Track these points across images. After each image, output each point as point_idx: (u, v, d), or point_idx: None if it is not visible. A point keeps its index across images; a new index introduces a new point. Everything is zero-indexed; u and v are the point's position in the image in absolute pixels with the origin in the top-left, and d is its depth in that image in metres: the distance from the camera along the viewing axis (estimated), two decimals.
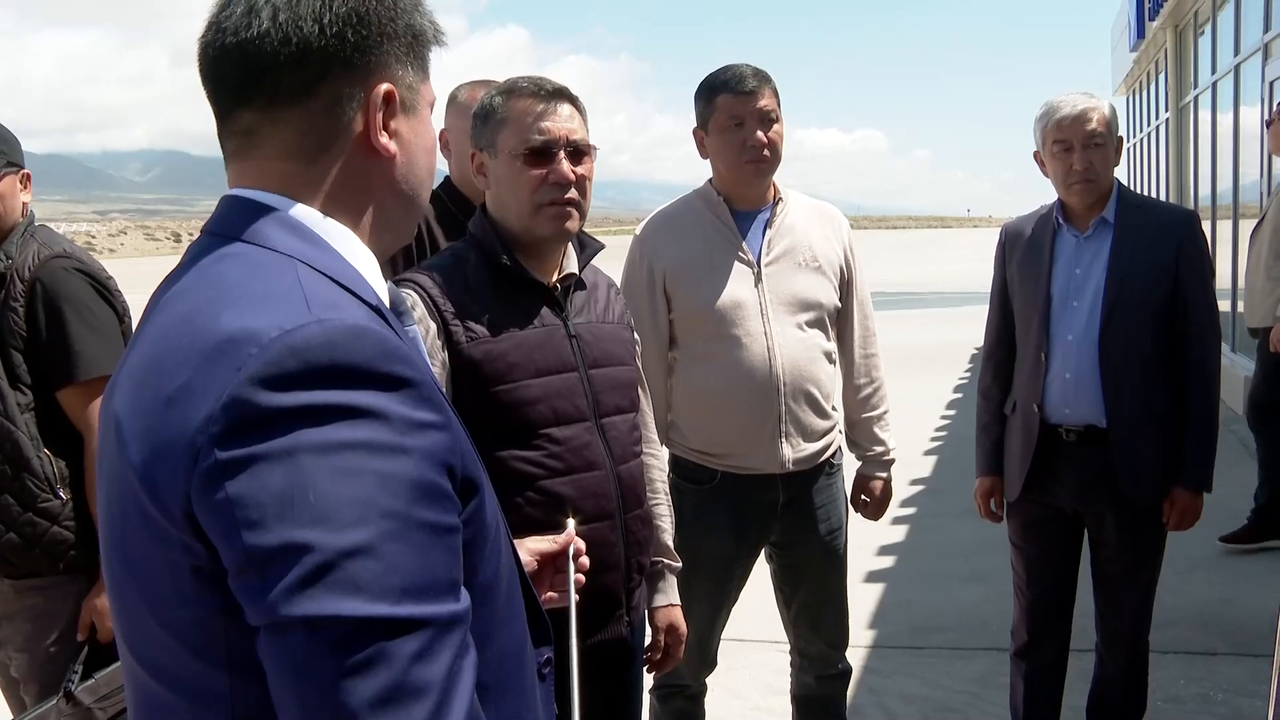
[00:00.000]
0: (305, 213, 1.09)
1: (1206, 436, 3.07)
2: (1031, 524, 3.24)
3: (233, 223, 1.08)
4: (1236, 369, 8.97)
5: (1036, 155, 3.17)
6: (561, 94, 2.13)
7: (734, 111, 2.83)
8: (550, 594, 1.71)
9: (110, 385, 1.07)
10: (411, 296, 2.04)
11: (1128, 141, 20.01)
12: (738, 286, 2.87)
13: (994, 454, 3.32)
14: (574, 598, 1.69)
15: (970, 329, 16.45)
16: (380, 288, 1.16)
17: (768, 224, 2.93)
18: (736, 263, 2.88)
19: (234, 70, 1.09)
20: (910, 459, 7.67)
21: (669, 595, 2.41)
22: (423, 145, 1.18)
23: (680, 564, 2.47)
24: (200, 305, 1.00)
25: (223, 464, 0.90)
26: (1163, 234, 3.05)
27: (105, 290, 2.64)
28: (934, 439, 8.70)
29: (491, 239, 2.14)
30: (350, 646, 0.87)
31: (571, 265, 2.22)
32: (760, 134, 2.81)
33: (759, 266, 2.88)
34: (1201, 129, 12.49)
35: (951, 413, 9.92)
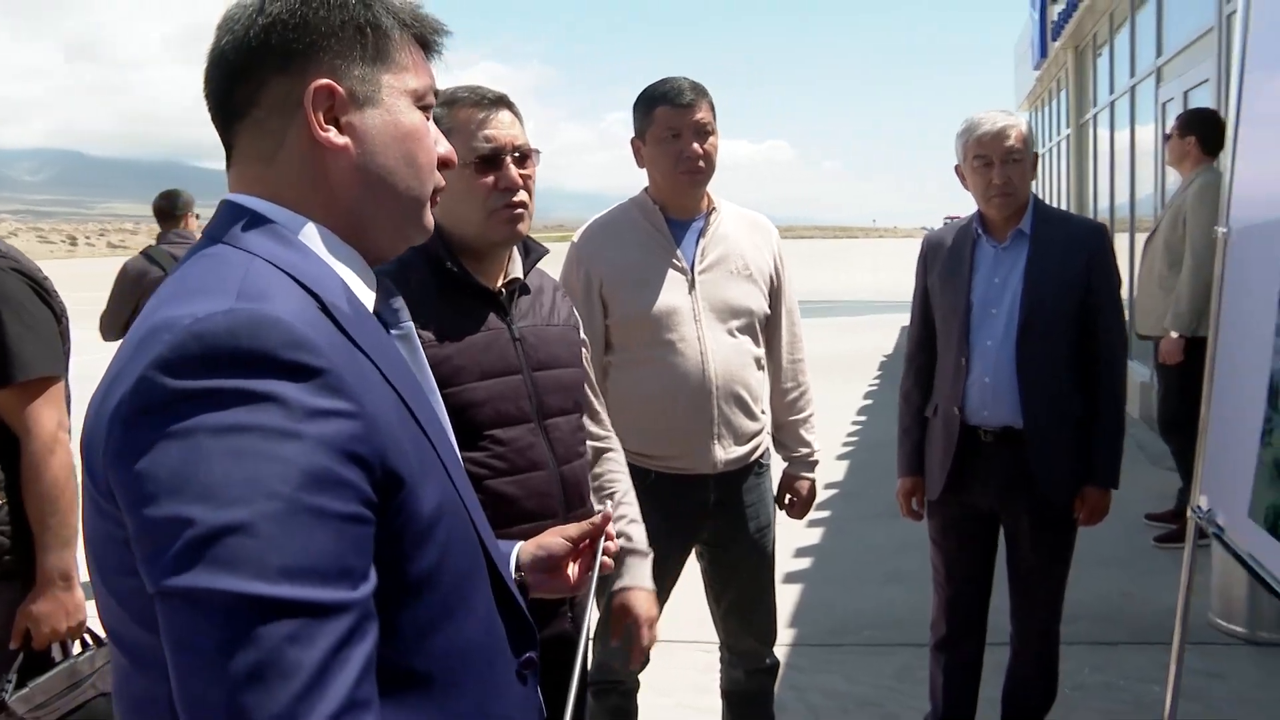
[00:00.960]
0: (277, 212, 1.16)
1: (1115, 437, 3.25)
2: (951, 522, 3.38)
3: (216, 225, 1.17)
4: (1133, 375, 9.32)
5: (958, 169, 3.31)
6: (502, 101, 2.17)
7: (671, 123, 2.91)
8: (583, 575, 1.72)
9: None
10: None
11: None
12: (672, 293, 2.95)
13: (915, 455, 3.45)
14: (594, 582, 1.70)
15: (878, 337, 16.90)
16: (358, 285, 1.21)
17: (701, 233, 3.02)
18: (671, 270, 2.97)
19: (209, 96, 1.20)
20: (824, 464, 7.81)
21: (625, 578, 2.41)
22: (389, 133, 1.20)
23: (649, 552, 2.49)
24: (163, 300, 1.08)
25: (128, 442, 0.96)
26: (1075, 245, 3.21)
27: (42, 290, 2.58)
28: (846, 444, 8.90)
29: (437, 246, 2.17)
30: (224, 622, 0.90)
31: (516, 270, 2.27)
32: (696, 145, 2.90)
33: (693, 274, 2.97)
34: (1100, 145, 12.91)
35: (863, 419, 10.15)
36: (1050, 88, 17.70)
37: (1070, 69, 14.70)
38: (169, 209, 5.98)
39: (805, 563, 5.86)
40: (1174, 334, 5.45)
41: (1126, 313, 8.35)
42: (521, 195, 2.17)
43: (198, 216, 6.10)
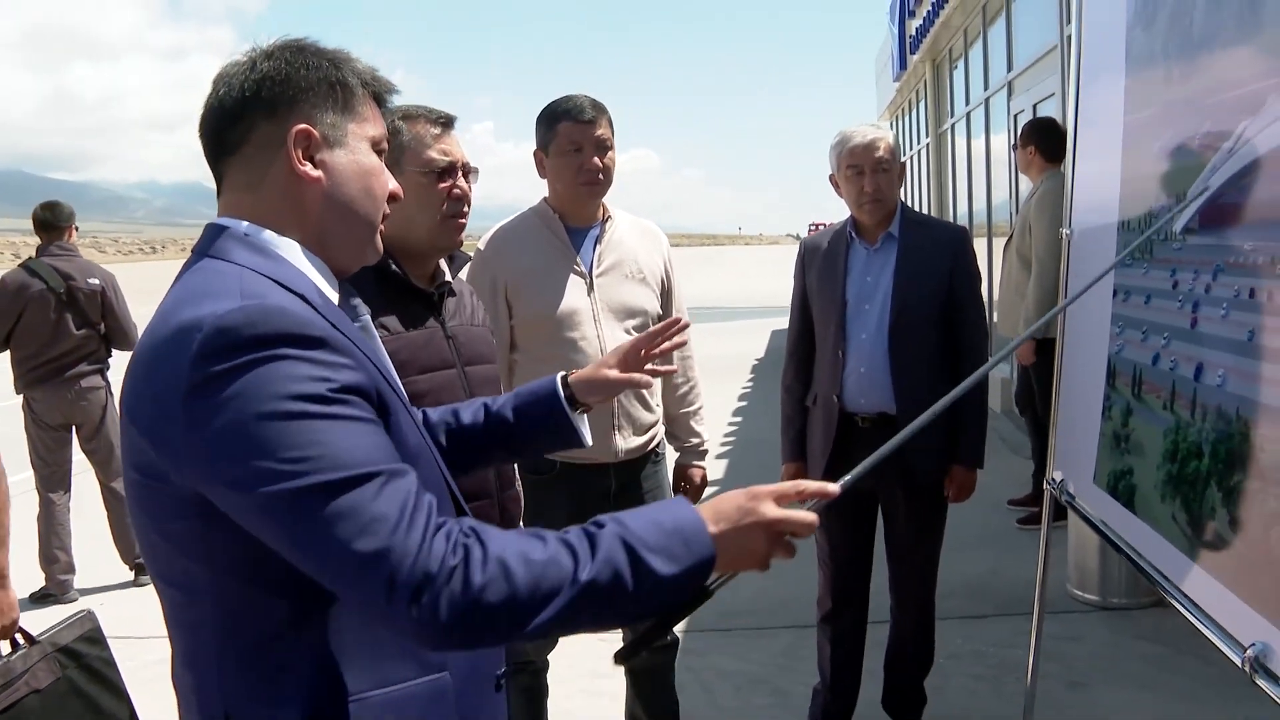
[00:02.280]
0: (256, 231, 1.43)
1: (978, 421, 3.56)
2: (832, 503, 3.62)
3: (204, 243, 1.44)
4: (995, 371, 9.83)
5: (832, 178, 3.59)
6: (452, 122, 2.43)
7: (573, 138, 3.12)
8: None
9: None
10: None
11: None
12: (572, 295, 3.16)
13: (798, 442, 3.72)
14: None
15: (749, 342, 17.32)
16: (325, 287, 1.46)
17: (598, 239, 3.24)
18: (571, 274, 3.18)
19: (204, 136, 1.47)
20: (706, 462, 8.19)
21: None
22: (352, 171, 1.47)
23: None
24: (169, 308, 1.33)
25: (192, 417, 1.24)
26: (940, 247, 3.52)
27: None
28: (724, 444, 9.21)
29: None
30: (323, 503, 1.20)
31: (445, 274, 2.48)
32: (596, 159, 3.12)
33: (591, 277, 3.19)
34: (958, 154, 13.47)
35: (739, 419, 10.49)
36: (910, 98, 18.33)
37: (928, 81, 15.28)
38: (51, 221, 5.96)
39: None
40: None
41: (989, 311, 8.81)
42: (466, 207, 2.41)
43: (77, 229, 6.10)
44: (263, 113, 1.42)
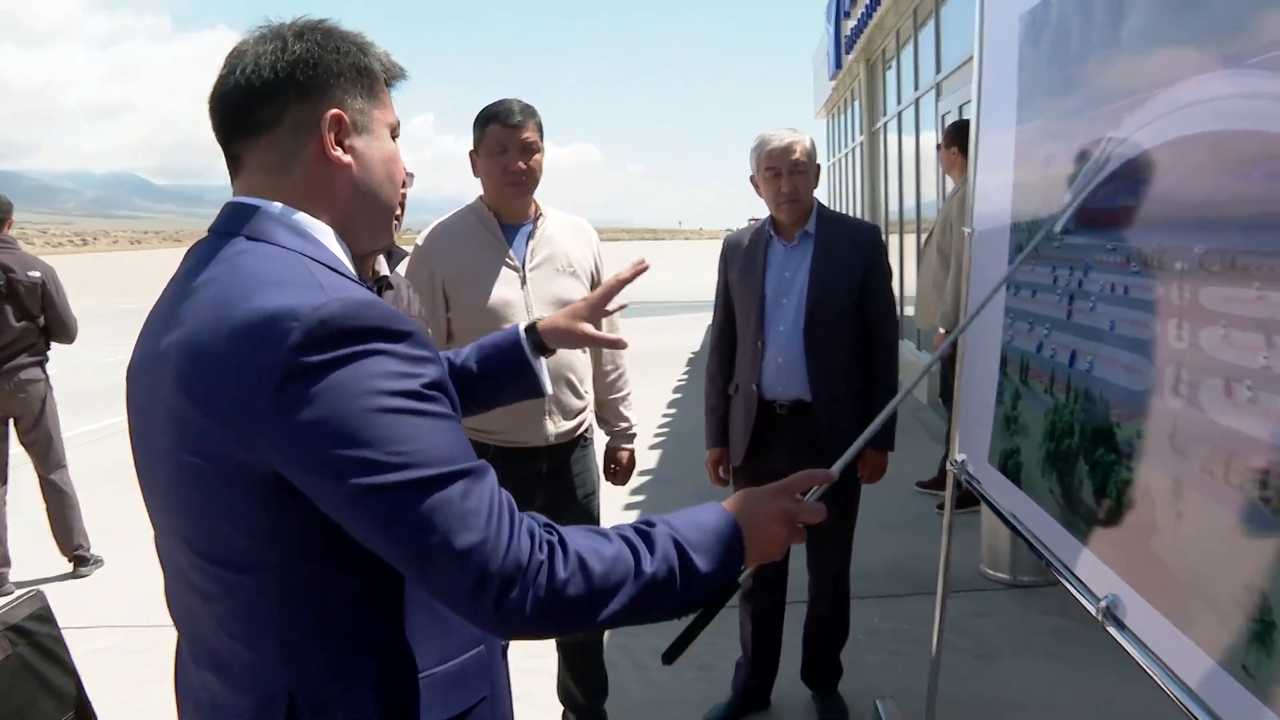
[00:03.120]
0: (290, 213, 1.42)
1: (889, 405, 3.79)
2: (753, 485, 3.86)
3: (236, 223, 1.42)
4: (920, 363, 10.14)
5: (752, 179, 3.80)
6: (395, 127, 2.57)
7: (500, 140, 3.30)
8: None
9: (150, 350, 1.40)
10: None
11: (829, 160, 21.53)
12: (506, 288, 3.34)
13: (721, 429, 3.93)
14: None
15: (687, 336, 17.57)
16: (354, 273, 1.47)
17: (530, 235, 3.42)
18: (505, 268, 3.36)
19: (223, 113, 1.45)
20: (638, 453, 8.39)
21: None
22: (378, 156, 1.49)
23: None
24: (234, 289, 1.32)
25: (288, 407, 1.24)
26: (853, 244, 3.74)
27: None
28: (658, 435, 9.44)
29: None
30: (418, 498, 1.25)
31: (384, 269, 2.64)
32: (520, 162, 3.30)
33: (524, 271, 3.37)
34: (890, 152, 13.80)
35: (673, 411, 10.72)
36: (845, 97, 18.67)
37: (863, 80, 15.61)
38: None
39: None
40: (942, 330, 6.12)
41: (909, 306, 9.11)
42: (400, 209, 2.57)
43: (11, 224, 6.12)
44: (295, 95, 1.41)
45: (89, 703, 2.55)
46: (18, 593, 2.78)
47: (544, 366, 2.02)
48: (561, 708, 3.86)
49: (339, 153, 1.44)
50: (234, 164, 1.47)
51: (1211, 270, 1.81)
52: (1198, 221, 1.87)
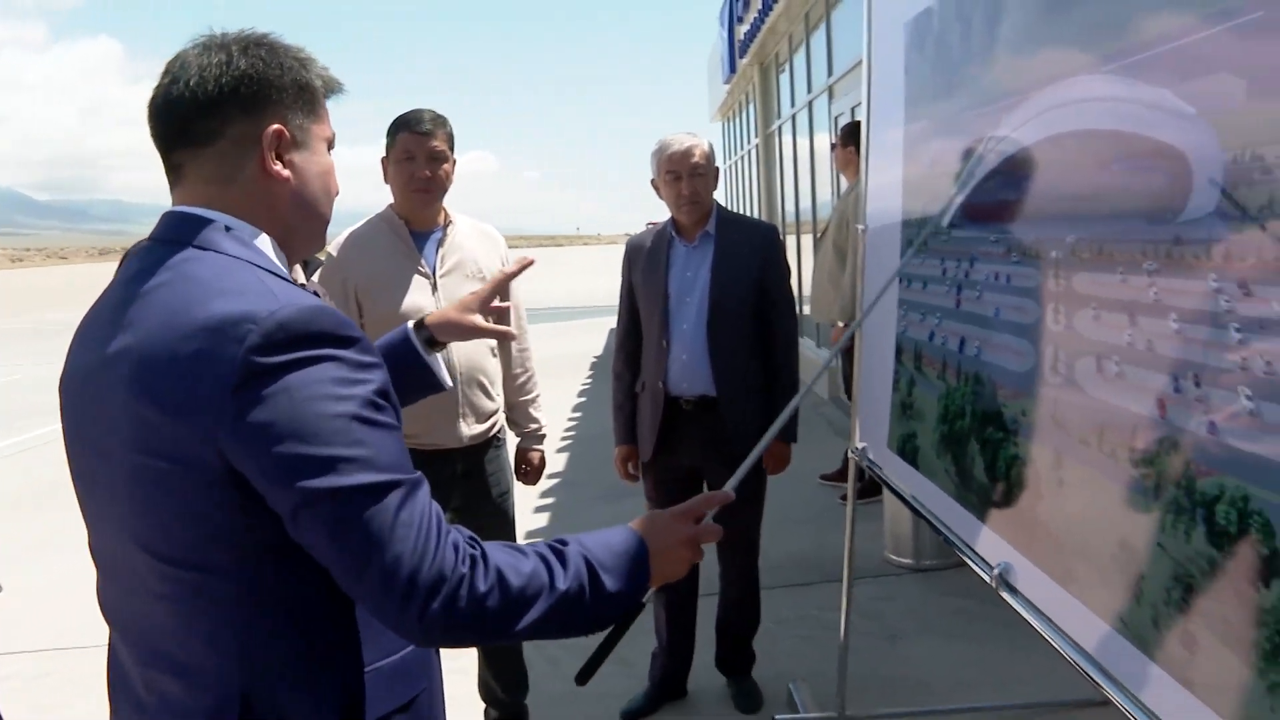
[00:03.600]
0: (238, 224, 1.47)
1: (790, 399, 3.93)
2: (661, 480, 3.98)
3: (180, 231, 1.45)
4: (819, 359, 10.38)
5: (654, 182, 3.91)
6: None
7: (408, 148, 3.36)
8: None
9: (94, 358, 1.43)
10: None
11: (726, 163, 21.74)
12: (417, 295, 3.40)
13: (629, 426, 4.03)
14: None
15: (589, 340, 17.68)
16: None
17: (440, 242, 3.48)
18: (416, 275, 3.42)
19: (166, 123, 1.48)
20: (547, 456, 8.50)
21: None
22: (315, 170, 1.54)
23: None
24: (188, 295, 1.36)
25: (244, 406, 1.29)
26: (752, 244, 3.87)
27: None
28: (564, 439, 9.53)
29: None
30: (361, 502, 1.30)
31: (300, 277, 2.69)
32: (427, 171, 3.36)
33: (434, 278, 3.43)
34: (785, 154, 14.04)
35: (578, 415, 10.83)
36: (740, 100, 18.92)
37: (757, 84, 15.84)
38: None
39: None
40: (839, 324, 6.31)
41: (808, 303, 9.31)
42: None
43: None
44: (239, 109, 1.45)
45: None
46: None
47: (440, 361, 2.06)
48: (484, 705, 3.92)
49: (279, 167, 1.49)
50: (174, 173, 1.51)
51: (1082, 258, 1.96)
52: (1069, 213, 2.03)
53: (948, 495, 2.68)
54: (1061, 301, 2.04)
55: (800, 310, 7.45)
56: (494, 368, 3.59)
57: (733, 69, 16.25)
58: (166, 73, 1.48)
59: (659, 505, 4.01)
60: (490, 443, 3.59)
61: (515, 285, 3.73)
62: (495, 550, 1.42)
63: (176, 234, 1.46)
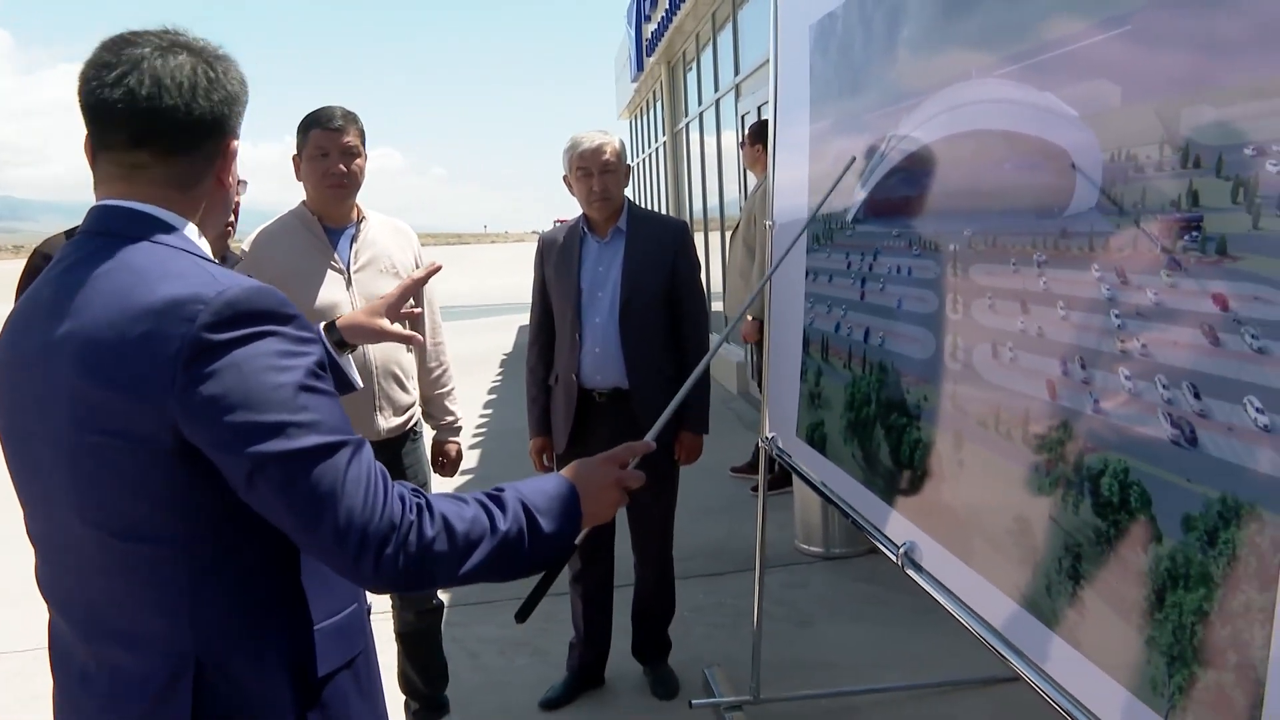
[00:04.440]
0: (178, 221, 1.55)
1: (702, 392, 4.02)
2: None
3: (116, 224, 1.51)
4: (730, 356, 10.52)
5: (566, 179, 3.98)
6: None
7: (321, 144, 3.38)
8: None
9: (31, 346, 1.49)
10: None
11: (633, 160, 21.81)
12: (332, 290, 3.42)
13: (543, 418, 4.09)
14: None
15: (498, 337, 17.68)
16: None
17: (354, 238, 3.51)
18: (330, 270, 3.44)
19: (144, 124, 1.51)
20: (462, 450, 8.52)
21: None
22: (234, 179, 1.65)
23: None
24: (133, 282, 1.43)
25: (195, 380, 1.37)
26: (663, 240, 3.95)
27: None
28: (476, 435, 9.54)
29: None
30: (309, 464, 1.38)
31: None
32: (341, 165, 3.38)
33: (349, 273, 3.46)
34: (693, 151, 14.18)
35: (489, 411, 10.83)
36: (648, 98, 19.04)
37: (664, 82, 15.97)
38: None
39: None
40: (749, 317, 6.44)
41: (720, 305, 9.43)
42: (232, 217, 2.64)
43: None
44: (218, 129, 1.56)
45: None
46: None
47: (350, 362, 2.13)
48: (404, 697, 3.95)
49: (229, 179, 1.62)
50: (131, 169, 1.54)
51: (978, 249, 2.07)
52: (966, 209, 2.14)
53: (855, 480, 2.79)
54: (959, 292, 2.16)
55: (710, 305, 7.59)
56: (409, 362, 3.63)
57: (640, 67, 16.35)
58: (119, 70, 1.51)
59: None
60: (407, 436, 3.62)
61: (430, 283, 3.78)
62: (439, 499, 1.51)
63: (114, 227, 1.52)
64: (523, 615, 1.79)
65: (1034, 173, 1.86)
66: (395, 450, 3.57)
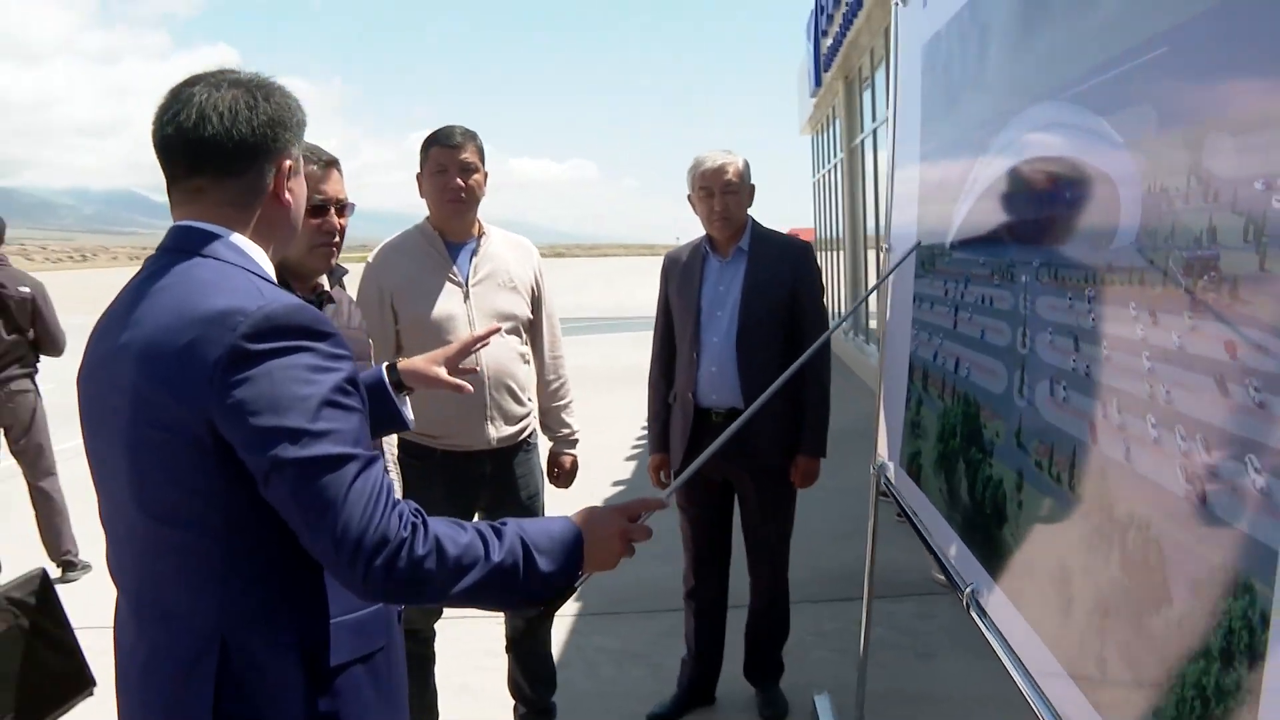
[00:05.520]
0: (240, 239, 1.70)
1: (820, 415, 3.96)
2: (692, 489, 4.05)
3: (192, 243, 1.67)
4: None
5: (690, 198, 4.00)
6: (333, 163, 2.77)
7: (441, 161, 3.50)
8: None
9: (107, 350, 1.65)
10: None
11: (814, 176, 21.57)
12: (449, 302, 3.53)
13: (662, 435, 4.11)
14: None
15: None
16: None
17: (474, 253, 3.61)
18: (448, 283, 3.55)
19: (196, 155, 1.68)
20: (613, 464, 8.59)
21: None
22: (299, 194, 1.80)
23: None
24: (190, 293, 1.59)
25: (231, 384, 1.50)
26: (784, 259, 3.92)
27: None
28: (635, 446, 9.61)
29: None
30: (322, 471, 1.49)
31: (325, 286, 2.85)
32: (459, 181, 3.49)
33: (467, 287, 3.56)
34: (868, 168, 14.00)
35: (621, 426, 10.91)
36: (827, 114, 18.88)
37: (841, 97, 15.81)
38: None
39: None
40: None
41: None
42: (336, 237, 2.77)
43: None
44: (266, 150, 1.70)
45: (87, 667, 2.73)
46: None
47: (406, 401, 2.30)
48: (513, 701, 4.03)
49: (286, 195, 1.75)
50: (191, 193, 1.71)
51: (1043, 281, 2.00)
52: (1035, 237, 2.07)
53: (939, 512, 2.71)
54: (1026, 325, 2.08)
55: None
56: (524, 374, 3.70)
57: (818, 82, 16.23)
58: (182, 107, 1.67)
59: (691, 515, 4.10)
60: (520, 446, 3.69)
61: (550, 297, 3.85)
62: (437, 522, 1.60)
63: (183, 244, 1.69)
64: (510, 642, 1.85)
65: (1088, 203, 1.78)
66: (507, 460, 3.65)
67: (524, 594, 1.67)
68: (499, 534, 1.66)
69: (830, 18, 13.72)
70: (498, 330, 2.44)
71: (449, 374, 2.35)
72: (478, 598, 1.62)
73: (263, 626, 1.62)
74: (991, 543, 2.25)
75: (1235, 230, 1.27)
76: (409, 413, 2.28)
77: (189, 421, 1.53)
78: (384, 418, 2.24)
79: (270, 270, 1.74)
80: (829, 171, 18.59)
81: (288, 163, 1.74)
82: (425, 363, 2.34)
